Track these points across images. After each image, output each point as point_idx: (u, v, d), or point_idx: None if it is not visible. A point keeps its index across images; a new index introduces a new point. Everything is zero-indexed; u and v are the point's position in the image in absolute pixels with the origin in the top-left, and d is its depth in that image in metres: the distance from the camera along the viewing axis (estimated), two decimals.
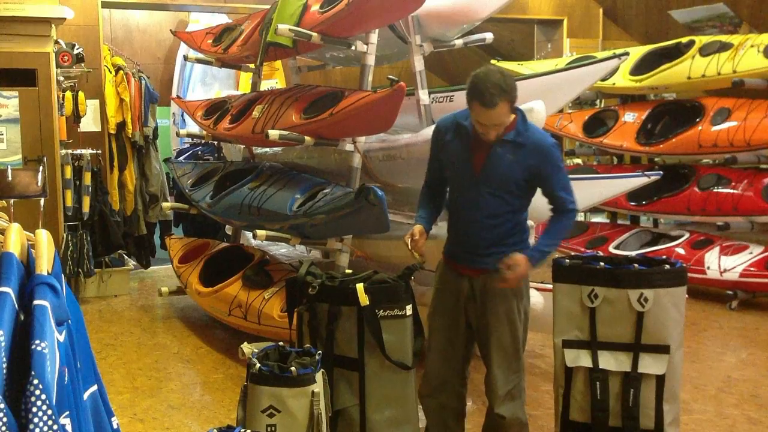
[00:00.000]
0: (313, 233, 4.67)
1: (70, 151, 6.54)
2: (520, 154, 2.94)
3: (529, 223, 3.26)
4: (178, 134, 7.19)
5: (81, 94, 6.71)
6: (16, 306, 1.40)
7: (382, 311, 3.05)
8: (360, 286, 3.03)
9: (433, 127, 4.24)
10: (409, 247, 3.01)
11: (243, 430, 2.59)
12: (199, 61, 6.49)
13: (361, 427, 3.10)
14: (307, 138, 4.50)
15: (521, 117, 2.98)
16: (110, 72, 7.20)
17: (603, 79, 6.78)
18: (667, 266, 3.12)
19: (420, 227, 3.07)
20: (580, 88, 4.93)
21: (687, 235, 6.82)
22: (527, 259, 2.94)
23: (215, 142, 7.59)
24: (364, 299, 3.03)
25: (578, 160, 8.84)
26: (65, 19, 6.25)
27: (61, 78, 6.55)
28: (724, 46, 6.54)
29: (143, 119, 7.30)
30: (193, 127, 7.11)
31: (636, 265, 3.14)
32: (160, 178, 7.59)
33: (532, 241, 3.34)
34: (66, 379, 1.41)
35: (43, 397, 1.28)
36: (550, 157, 2.97)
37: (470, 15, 4.67)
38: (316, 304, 3.17)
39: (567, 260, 3.24)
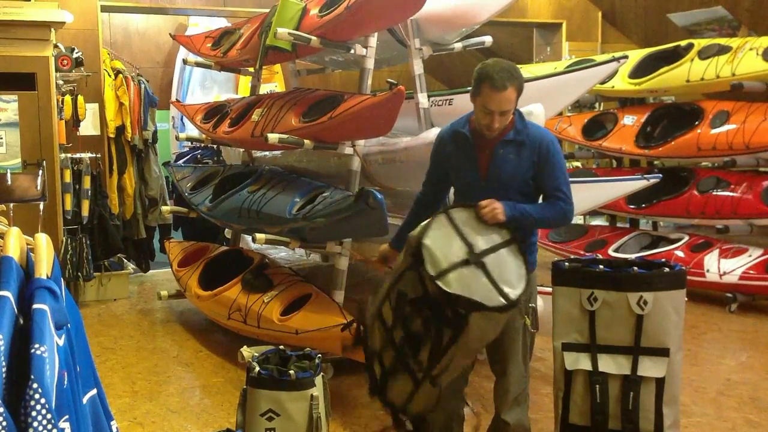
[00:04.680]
0: (313, 237, 4.67)
1: (69, 155, 6.55)
2: (522, 152, 2.96)
3: None
4: (177, 138, 7.19)
5: (80, 98, 6.72)
6: (16, 310, 1.40)
7: None
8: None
9: (433, 130, 4.26)
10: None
11: None
12: (198, 64, 6.49)
13: None
14: (306, 141, 4.50)
15: (518, 116, 3.01)
16: (109, 76, 7.21)
17: (602, 82, 6.77)
18: (667, 269, 3.12)
19: (392, 252, 3.20)
20: (580, 91, 4.94)
21: (686, 238, 6.82)
22: (503, 206, 2.90)
23: (214, 146, 7.58)
24: None
25: (577, 163, 8.84)
26: (64, 22, 6.25)
27: (61, 82, 6.55)
28: (723, 49, 6.55)
29: (142, 123, 7.31)
30: (192, 131, 7.11)
31: (635, 268, 3.13)
32: (159, 181, 7.60)
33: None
34: (65, 383, 1.41)
35: (43, 401, 1.28)
36: (549, 152, 2.98)
37: (469, 18, 4.67)
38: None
39: (566, 263, 3.24)
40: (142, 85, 7.36)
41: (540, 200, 3.09)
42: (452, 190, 3.35)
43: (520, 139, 2.96)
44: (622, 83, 7.21)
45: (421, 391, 2.88)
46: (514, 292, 2.76)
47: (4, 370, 1.30)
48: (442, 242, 2.84)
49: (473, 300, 2.69)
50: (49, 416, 1.28)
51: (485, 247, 2.84)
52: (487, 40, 5.02)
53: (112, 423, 1.67)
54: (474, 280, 2.76)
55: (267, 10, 5.30)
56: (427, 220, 2.88)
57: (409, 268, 2.84)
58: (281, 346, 3.21)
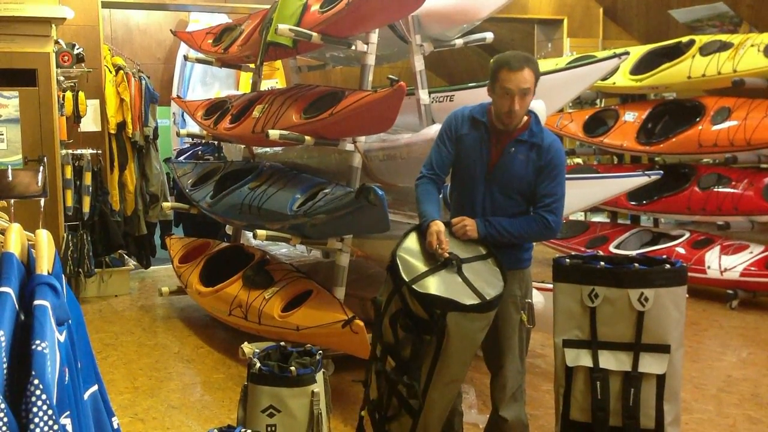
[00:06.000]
0: (314, 233, 4.67)
1: (70, 151, 6.55)
2: (532, 154, 2.97)
3: None
4: (178, 134, 7.19)
5: (81, 94, 6.71)
6: (17, 306, 1.40)
7: None
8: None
9: (434, 126, 4.25)
10: (439, 247, 2.85)
11: (243, 429, 2.60)
12: (199, 61, 6.48)
13: None
14: (307, 138, 4.50)
15: (535, 118, 3.01)
16: (110, 72, 7.21)
17: (603, 79, 6.77)
18: (668, 266, 3.12)
19: (441, 224, 2.92)
20: (581, 87, 4.93)
21: (687, 234, 6.82)
22: (476, 224, 2.96)
23: (215, 142, 7.59)
24: None
25: (578, 160, 8.84)
26: (65, 19, 6.25)
27: (62, 78, 6.55)
28: (725, 46, 6.54)
29: (143, 119, 7.30)
30: (193, 127, 7.11)
31: (636, 264, 3.13)
32: (160, 177, 7.60)
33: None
34: (66, 379, 1.41)
35: (44, 397, 1.28)
36: (554, 161, 2.98)
37: (470, 14, 4.66)
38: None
39: (567, 260, 3.23)
40: (143, 82, 7.36)
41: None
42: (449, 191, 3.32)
43: (533, 141, 2.97)
44: (623, 80, 7.20)
45: (421, 422, 2.89)
46: (489, 294, 2.78)
47: (5, 366, 1.30)
48: (416, 253, 2.88)
49: (448, 298, 2.71)
50: (50, 412, 1.28)
51: (461, 257, 2.88)
52: (488, 36, 5.01)
53: (113, 419, 1.67)
54: (449, 282, 2.79)
55: (268, 6, 5.29)
56: (401, 236, 2.92)
57: (391, 293, 2.87)
58: (282, 343, 3.21)
